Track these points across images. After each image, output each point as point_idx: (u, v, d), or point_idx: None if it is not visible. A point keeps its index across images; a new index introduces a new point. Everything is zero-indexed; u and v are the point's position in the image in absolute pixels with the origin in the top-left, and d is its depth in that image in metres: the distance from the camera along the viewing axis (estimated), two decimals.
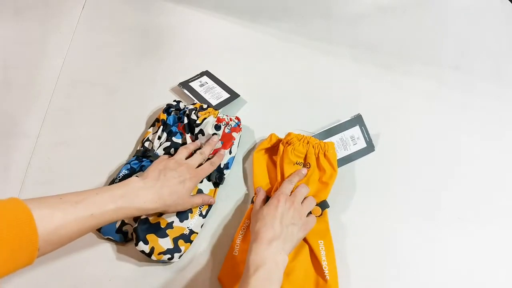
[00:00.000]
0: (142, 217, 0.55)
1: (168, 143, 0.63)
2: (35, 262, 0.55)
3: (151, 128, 0.67)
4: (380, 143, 0.70)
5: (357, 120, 0.68)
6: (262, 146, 0.65)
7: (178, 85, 0.75)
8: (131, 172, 0.60)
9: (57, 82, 0.78)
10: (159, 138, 0.64)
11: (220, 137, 0.64)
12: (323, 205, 0.60)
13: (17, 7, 0.92)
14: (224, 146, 0.63)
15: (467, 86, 0.81)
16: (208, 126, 0.63)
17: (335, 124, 0.68)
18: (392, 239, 0.57)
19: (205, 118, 0.64)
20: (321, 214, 0.59)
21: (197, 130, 0.64)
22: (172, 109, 0.67)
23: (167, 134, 0.64)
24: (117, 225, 0.56)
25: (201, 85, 0.76)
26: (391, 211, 0.62)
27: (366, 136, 0.68)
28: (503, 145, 0.72)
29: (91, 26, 0.89)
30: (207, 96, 0.73)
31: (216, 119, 0.64)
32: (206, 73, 0.79)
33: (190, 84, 0.76)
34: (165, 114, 0.66)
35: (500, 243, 0.60)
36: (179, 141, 0.64)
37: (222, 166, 0.62)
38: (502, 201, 0.64)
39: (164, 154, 0.62)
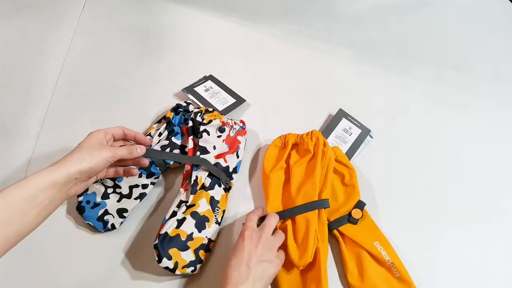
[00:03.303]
0: (160, 232, 0.53)
1: (167, 142, 0.63)
2: (36, 261, 0.55)
3: (156, 124, 0.68)
4: (379, 143, 0.70)
5: (341, 114, 0.71)
6: (273, 160, 0.64)
7: (182, 90, 0.75)
8: None
9: (57, 82, 0.78)
10: (160, 134, 0.64)
11: (225, 141, 0.64)
12: (360, 205, 0.59)
13: (18, 7, 0.92)
14: (230, 150, 0.63)
15: (467, 86, 0.81)
16: (214, 127, 0.64)
17: (325, 127, 0.70)
18: (392, 240, 0.57)
19: (211, 120, 0.64)
20: (362, 216, 0.58)
21: (202, 128, 0.64)
22: (180, 109, 0.67)
23: (168, 132, 0.64)
24: (100, 213, 0.57)
25: (206, 90, 0.75)
26: (391, 211, 0.62)
27: (356, 122, 0.70)
28: (503, 145, 0.72)
29: (91, 26, 0.89)
30: (213, 101, 0.73)
31: (221, 123, 0.65)
32: (210, 78, 0.78)
33: (194, 89, 0.75)
34: (173, 113, 0.67)
35: (500, 243, 0.60)
36: (179, 142, 0.64)
37: (230, 170, 0.62)
38: (503, 201, 0.64)
39: (161, 151, 0.62)
